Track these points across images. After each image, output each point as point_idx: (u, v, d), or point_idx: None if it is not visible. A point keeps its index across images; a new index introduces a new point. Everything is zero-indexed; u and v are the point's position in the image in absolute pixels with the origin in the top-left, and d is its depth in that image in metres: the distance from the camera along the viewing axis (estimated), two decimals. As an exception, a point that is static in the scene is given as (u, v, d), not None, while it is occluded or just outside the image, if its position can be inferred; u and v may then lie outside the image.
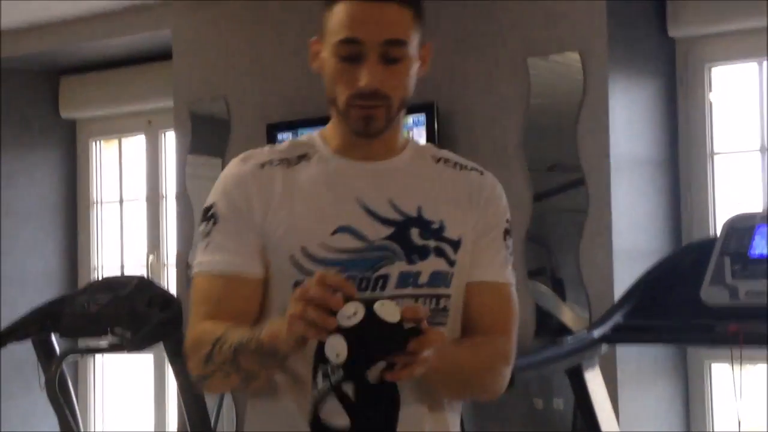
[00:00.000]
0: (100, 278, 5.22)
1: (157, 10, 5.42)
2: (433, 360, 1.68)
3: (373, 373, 1.65)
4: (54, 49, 5.84)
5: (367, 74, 1.82)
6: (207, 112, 5.29)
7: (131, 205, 6.20)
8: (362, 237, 1.85)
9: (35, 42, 5.81)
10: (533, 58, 4.29)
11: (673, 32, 4.31)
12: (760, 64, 4.25)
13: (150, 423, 5.90)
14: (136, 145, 6.20)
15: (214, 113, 5.25)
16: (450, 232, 1.89)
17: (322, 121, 2.02)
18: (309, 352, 1.68)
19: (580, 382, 3.32)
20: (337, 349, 1.61)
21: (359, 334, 1.61)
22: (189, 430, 4.59)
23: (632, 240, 4.14)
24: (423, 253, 1.86)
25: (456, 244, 1.90)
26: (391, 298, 1.78)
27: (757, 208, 4.01)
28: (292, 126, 4.69)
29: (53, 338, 4.88)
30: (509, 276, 1.97)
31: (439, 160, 1.98)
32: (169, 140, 5.85)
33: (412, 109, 4.43)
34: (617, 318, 3.41)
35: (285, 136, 4.52)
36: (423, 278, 1.86)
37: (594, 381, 3.35)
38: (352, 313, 1.62)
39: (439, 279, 1.87)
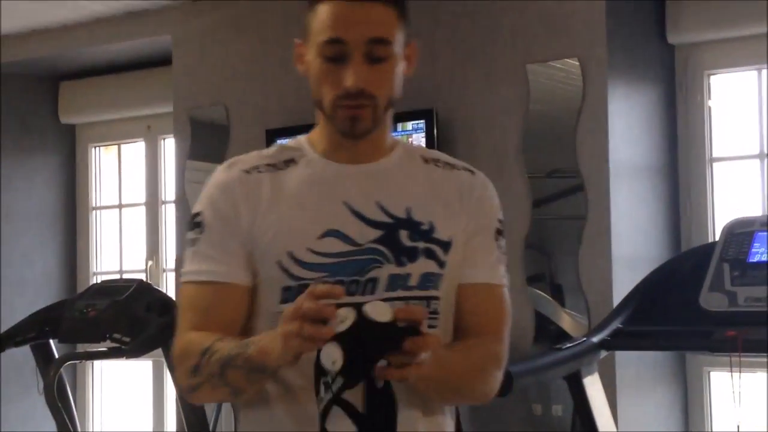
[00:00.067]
0: (98, 283, 5.21)
1: (157, 16, 5.42)
2: (426, 366, 1.67)
3: (374, 374, 1.64)
4: (54, 55, 5.84)
5: (353, 74, 1.80)
6: (206, 117, 5.29)
7: (130, 211, 6.19)
8: (350, 240, 1.83)
9: (35, 47, 5.81)
10: (532, 64, 4.29)
11: (672, 39, 4.31)
12: (759, 71, 4.25)
13: (148, 428, 5.89)
14: (135, 150, 6.20)
15: (213, 119, 5.25)
16: (440, 233, 1.87)
17: (321, 126, 2.00)
18: (300, 362, 1.68)
19: (578, 388, 3.31)
20: (332, 356, 1.60)
21: (352, 338, 1.60)
22: (187, 435, 4.58)
23: (631, 246, 4.14)
24: (412, 255, 1.85)
25: (446, 245, 1.87)
26: (381, 301, 1.77)
27: (756, 214, 4.01)
28: (292, 132, 4.68)
29: (52, 343, 4.88)
30: (501, 277, 1.94)
31: (428, 160, 1.96)
32: (169, 146, 5.85)
33: (411, 115, 4.45)
34: (616, 324, 3.41)
35: (284, 142, 4.52)
36: (413, 280, 1.84)
37: (593, 387, 3.34)
38: (342, 319, 1.61)
39: (429, 281, 1.85)
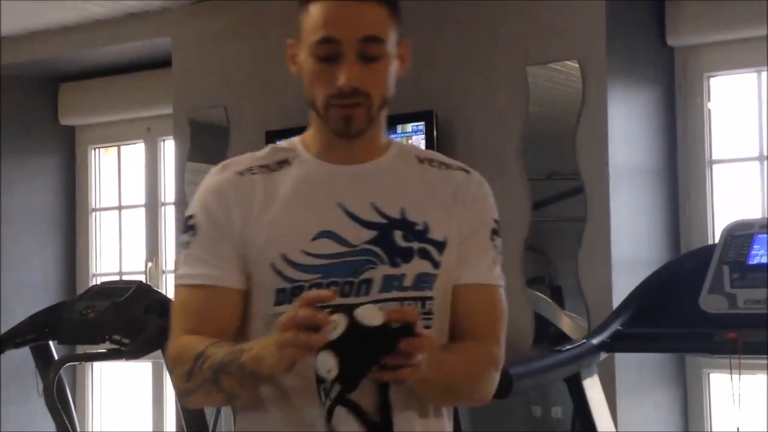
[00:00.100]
0: (98, 285, 5.21)
1: (157, 18, 5.43)
2: (423, 368, 1.67)
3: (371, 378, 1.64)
4: (53, 56, 5.84)
5: (346, 73, 1.78)
6: (206, 119, 5.29)
7: (130, 212, 6.20)
8: (344, 241, 1.82)
9: (35, 49, 5.81)
10: (532, 66, 4.30)
11: (672, 41, 4.32)
12: (759, 74, 4.26)
13: (148, 430, 5.89)
14: (135, 152, 6.21)
15: (213, 121, 5.25)
16: (434, 233, 1.86)
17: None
18: (296, 366, 1.67)
19: (578, 390, 3.32)
20: (327, 364, 1.60)
21: (346, 345, 1.59)
22: (187, 437, 4.58)
23: (631, 248, 4.14)
24: (406, 255, 1.83)
25: (441, 245, 1.86)
26: (376, 302, 1.77)
27: (756, 216, 4.01)
28: (291, 133, 4.58)
29: (51, 345, 4.88)
30: (498, 277, 1.92)
31: (423, 160, 1.94)
32: (168, 147, 5.85)
33: (411, 117, 4.45)
34: (616, 326, 3.41)
35: (278, 144, 4.52)
36: (407, 281, 1.83)
37: (592, 389, 3.34)
38: (335, 326, 1.60)
39: (424, 281, 1.84)
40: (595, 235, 4.10)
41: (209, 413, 4.61)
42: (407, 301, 1.82)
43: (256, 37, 5.08)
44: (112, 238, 6.26)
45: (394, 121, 4.45)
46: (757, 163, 4.26)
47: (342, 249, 1.82)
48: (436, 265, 1.85)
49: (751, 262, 3.25)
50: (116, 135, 6.25)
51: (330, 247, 1.82)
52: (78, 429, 4.85)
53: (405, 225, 1.85)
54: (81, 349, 5.42)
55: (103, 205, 6.32)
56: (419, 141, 4.42)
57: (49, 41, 5.77)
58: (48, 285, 6.12)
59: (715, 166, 4.32)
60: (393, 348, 1.62)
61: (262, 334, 1.77)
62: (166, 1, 5.27)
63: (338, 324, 1.60)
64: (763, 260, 3.24)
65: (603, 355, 3.39)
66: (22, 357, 5.03)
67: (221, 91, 5.22)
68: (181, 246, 1.90)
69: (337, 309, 1.64)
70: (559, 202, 4.26)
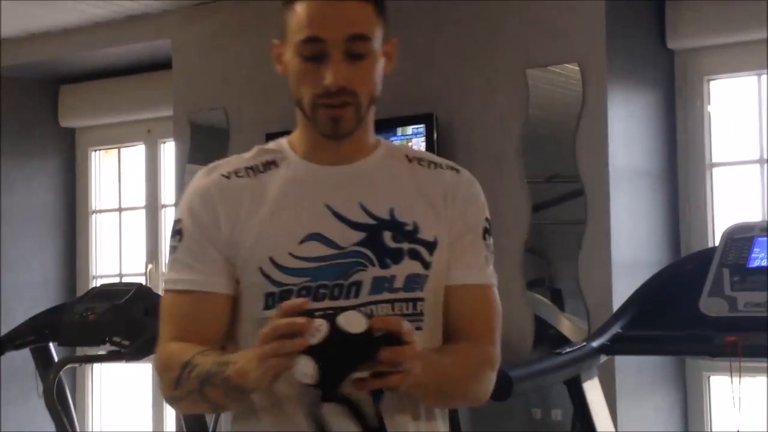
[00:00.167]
0: (98, 287, 5.21)
1: (157, 20, 5.43)
2: (418, 375, 1.66)
3: (348, 386, 1.63)
4: (54, 58, 5.84)
5: (332, 72, 1.77)
6: (206, 121, 5.29)
7: (130, 214, 6.20)
8: (333, 244, 1.80)
9: (35, 51, 5.81)
10: (532, 69, 4.30)
11: (672, 44, 4.32)
12: (759, 77, 4.26)
13: (148, 431, 5.90)
14: (135, 154, 6.21)
15: (213, 123, 5.26)
16: (424, 234, 1.84)
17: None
18: (287, 373, 1.65)
19: (578, 393, 3.31)
20: (305, 369, 1.59)
21: (326, 351, 1.58)
22: (187, 439, 4.58)
23: (631, 250, 4.14)
24: (396, 256, 1.81)
25: (431, 246, 1.84)
26: (366, 304, 1.77)
27: (756, 219, 4.01)
28: (292, 136, 4.68)
29: (51, 347, 4.88)
30: (491, 276, 1.91)
31: (412, 159, 1.92)
32: (169, 149, 5.85)
33: (411, 120, 4.45)
34: (616, 329, 3.41)
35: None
36: (398, 282, 1.81)
37: (592, 392, 3.34)
38: (315, 331, 1.59)
39: (414, 282, 1.82)
40: (595, 238, 4.10)
41: (209, 414, 4.60)
42: (398, 302, 1.81)
43: (256, 38, 5.08)
44: (112, 239, 6.26)
45: (394, 124, 4.46)
46: (757, 166, 4.26)
47: (330, 251, 1.80)
48: (426, 265, 1.84)
49: (751, 265, 3.25)
50: (116, 137, 6.25)
51: (318, 249, 1.80)
52: (78, 430, 4.85)
53: (394, 225, 1.83)
54: (81, 350, 5.42)
55: (103, 207, 6.32)
56: (419, 143, 4.42)
57: (50, 43, 5.77)
58: (48, 286, 6.12)
59: (715, 169, 4.32)
60: (373, 356, 1.60)
61: (251, 337, 1.74)
62: (167, 2, 5.27)
63: (320, 329, 1.59)
64: (764, 263, 3.24)
65: (603, 358, 3.39)
66: (22, 358, 5.03)
67: (221, 92, 5.22)
68: (169, 251, 1.89)
69: (325, 315, 1.62)
70: (559, 205, 4.27)
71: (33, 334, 4.80)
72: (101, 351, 4.62)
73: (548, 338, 4.16)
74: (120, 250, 6.20)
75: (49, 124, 6.24)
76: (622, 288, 3.90)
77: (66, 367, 4.77)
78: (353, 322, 1.60)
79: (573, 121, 4.18)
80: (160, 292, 5.66)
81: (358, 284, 1.79)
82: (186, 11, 5.34)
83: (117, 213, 6.26)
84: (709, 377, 4.26)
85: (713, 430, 4.25)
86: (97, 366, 6.11)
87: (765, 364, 3.75)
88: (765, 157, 4.23)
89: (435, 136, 4.42)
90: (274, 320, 1.64)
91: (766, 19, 4.03)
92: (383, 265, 1.81)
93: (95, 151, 6.36)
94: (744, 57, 4.24)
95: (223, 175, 1.88)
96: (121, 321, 4.51)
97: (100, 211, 6.32)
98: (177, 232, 1.88)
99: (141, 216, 6.07)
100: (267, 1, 4.98)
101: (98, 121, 6.20)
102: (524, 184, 4.29)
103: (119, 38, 5.57)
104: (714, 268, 3.30)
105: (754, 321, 3.13)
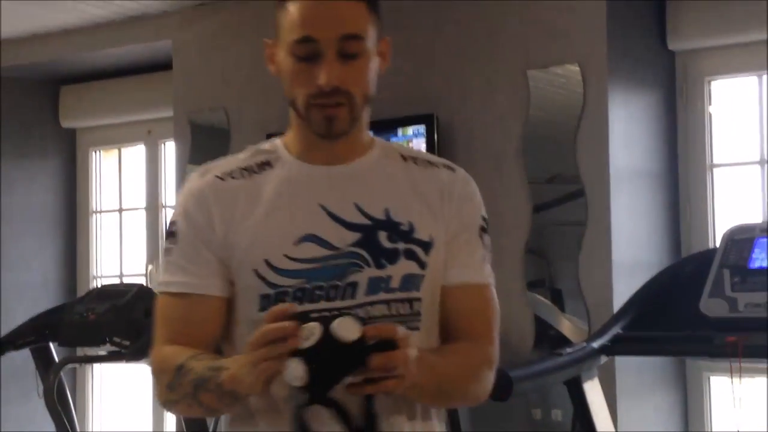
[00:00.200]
0: (98, 287, 5.22)
1: (158, 21, 5.43)
2: (414, 377, 1.66)
3: (340, 390, 1.62)
4: (54, 59, 5.84)
5: (326, 72, 1.75)
6: (207, 122, 5.30)
7: (130, 215, 6.20)
8: (328, 245, 1.79)
9: (36, 51, 5.82)
10: (533, 70, 4.30)
11: (672, 45, 4.32)
12: (760, 78, 4.26)
13: (148, 431, 5.90)
14: (135, 154, 6.21)
15: (213, 123, 5.26)
16: (420, 233, 1.83)
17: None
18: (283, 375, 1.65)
19: (578, 393, 3.31)
20: (295, 372, 1.58)
21: (316, 356, 1.58)
22: (187, 439, 4.58)
23: (631, 251, 4.14)
24: (392, 256, 1.80)
25: (427, 246, 1.83)
26: (362, 305, 1.77)
27: (757, 220, 4.01)
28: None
29: (51, 347, 4.88)
30: (488, 275, 1.89)
31: (407, 158, 1.91)
32: (169, 150, 5.85)
33: (412, 120, 4.45)
34: (616, 329, 3.41)
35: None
36: (394, 283, 1.80)
37: (593, 392, 3.34)
38: (309, 335, 1.58)
39: (411, 282, 1.81)
40: (596, 239, 4.10)
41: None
42: (394, 302, 1.80)
43: (256, 39, 5.03)
44: (112, 240, 6.26)
45: (394, 124, 4.46)
46: (757, 167, 4.26)
47: (326, 252, 1.79)
48: (422, 265, 1.83)
49: (751, 266, 3.25)
50: (117, 137, 6.25)
51: (313, 250, 1.79)
52: (78, 430, 4.85)
53: (389, 225, 1.82)
54: (81, 351, 5.42)
55: (103, 208, 6.32)
56: (420, 144, 4.42)
57: (50, 44, 5.77)
58: (48, 286, 6.12)
59: (715, 170, 4.32)
60: (364, 363, 1.60)
61: (247, 339, 1.71)
62: (167, 2, 5.27)
63: (313, 332, 1.58)
64: (764, 264, 3.24)
65: (603, 359, 3.39)
66: (22, 358, 5.04)
67: (222, 93, 5.22)
68: (164, 253, 1.88)
69: (321, 318, 1.62)
70: (559, 206, 4.27)
71: (33, 335, 4.81)
72: (101, 351, 4.62)
73: (548, 339, 4.16)
74: (120, 250, 6.21)
75: (49, 124, 6.24)
76: (623, 288, 3.90)
77: (66, 368, 4.77)
78: (347, 329, 1.59)
79: (573, 122, 4.18)
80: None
81: (354, 285, 1.78)
82: (186, 12, 5.34)
83: (117, 213, 6.26)
84: (709, 377, 4.26)
85: (713, 430, 4.25)
86: (97, 366, 6.11)
87: (765, 365, 3.75)
88: (765, 158, 4.23)
89: (435, 136, 4.42)
90: (263, 325, 1.63)
91: (767, 20, 4.03)
92: (379, 266, 1.80)
93: (96, 151, 6.36)
94: (744, 58, 4.24)
95: (218, 177, 1.86)
96: (122, 321, 4.51)
97: (101, 212, 6.32)
98: (171, 234, 1.87)
99: (141, 216, 6.07)
100: (267, 1, 4.97)
101: (99, 122, 6.21)
102: (525, 184, 4.29)
103: (120, 39, 5.57)
104: (714, 268, 3.30)
105: (754, 322, 3.14)
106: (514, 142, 4.33)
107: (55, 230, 6.22)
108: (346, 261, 1.79)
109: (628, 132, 4.19)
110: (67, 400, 4.87)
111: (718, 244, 3.43)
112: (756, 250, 3.28)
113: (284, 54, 1.81)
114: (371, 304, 1.78)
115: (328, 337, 1.58)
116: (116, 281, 6.01)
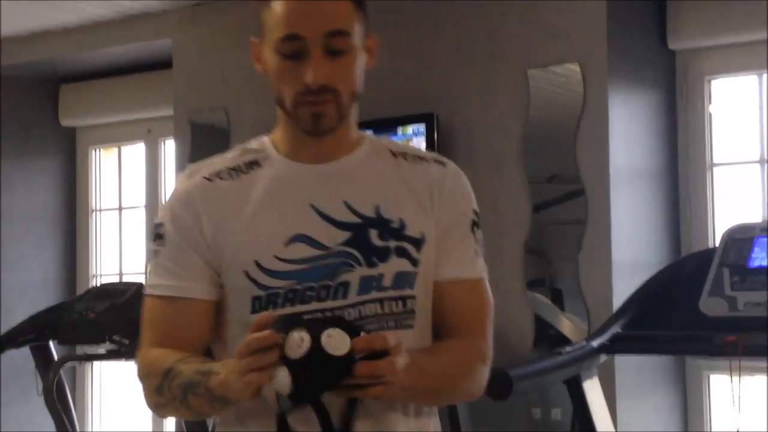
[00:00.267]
0: (98, 285, 5.22)
1: (158, 20, 5.43)
2: (402, 381, 1.65)
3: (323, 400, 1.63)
4: (54, 57, 5.85)
5: (313, 70, 1.74)
6: (207, 121, 5.30)
7: (130, 213, 6.20)
8: (318, 244, 1.77)
9: (35, 50, 5.82)
10: (533, 69, 4.30)
11: (673, 45, 4.32)
12: (760, 77, 4.26)
13: (147, 430, 5.89)
14: (135, 153, 6.21)
15: (213, 122, 5.26)
16: (411, 230, 1.81)
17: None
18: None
19: (578, 392, 3.31)
20: (282, 380, 1.58)
21: (303, 367, 1.57)
22: (187, 438, 4.59)
23: (631, 250, 4.15)
24: (383, 254, 1.78)
25: (418, 242, 1.81)
26: (355, 305, 1.76)
27: (756, 219, 4.01)
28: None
29: (51, 345, 4.88)
30: (481, 270, 1.87)
31: (397, 154, 1.88)
32: (169, 149, 5.85)
33: (412, 120, 4.46)
34: (616, 328, 3.41)
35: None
36: (386, 281, 1.78)
37: (592, 391, 3.34)
38: (298, 344, 1.58)
39: (403, 280, 1.79)
40: (596, 238, 4.10)
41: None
42: (387, 300, 1.78)
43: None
44: (112, 238, 6.26)
45: (394, 124, 4.46)
46: (757, 166, 4.26)
47: (316, 252, 1.77)
48: (414, 263, 1.81)
49: (751, 265, 3.26)
50: (117, 136, 6.25)
51: (304, 251, 1.77)
52: (78, 429, 4.85)
53: (380, 223, 1.80)
54: (81, 349, 5.43)
55: (103, 206, 6.32)
56: (420, 143, 4.42)
57: (50, 42, 5.77)
58: (48, 285, 6.12)
59: (715, 169, 4.33)
60: (350, 373, 1.59)
61: (239, 339, 1.70)
62: (167, 2, 5.27)
63: (303, 342, 1.58)
64: (764, 263, 3.24)
65: (603, 358, 3.39)
66: (22, 357, 5.04)
67: (222, 92, 5.22)
68: (151, 255, 1.87)
69: (312, 325, 1.61)
70: (559, 205, 4.27)
71: (33, 333, 4.81)
72: (101, 350, 4.62)
73: (548, 338, 4.17)
74: (120, 249, 6.21)
75: (49, 123, 6.24)
76: (622, 288, 3.91)
77: (66, 366, 4.77)
78: (336, 344, 1.58)
79: (573, 122, 4.18)
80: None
81: (345, 285, 1.77)
82: (186, 11, 5.34)
83: (117, 212, 6.26)
84: (709, 377, 4.26)
85: (713, 429, 4.25)
86: (97, 365, 6.11)
87: (765, 364, 3.76)
88: (765, 157, 4.23)
89: (435, 136, 4.43)
90: (250, 333, 1.62)
91: (767, 20, 4.03)
92: (370, 264, 1.78)
93: (96, 150, 6.36)
94: (744, 57, 4.24)
95: (206, 178, 1.84)
96: (121, 320, 4.51)
97: (101, 210, 6.32)
98: (158, 237, 1.85)
99: (141, 215, 6.07)
100: (267, 2, 4.98)
101: (99, 121, 6.21)
102: (524, 184, 4.29)
103: (119, 38, 5.58)
104: (714, 268, 3.30)
105: (754, 321, 3.14)
106: (514, 142, 4.33)
107: (55, 229, 6.22)
108: (337, 260, 1.78)
109: (628, 131, 4.19)
110: (67, 399, 4.87)
111: (717, 244, 3.43)
112: (756, 250, 3.28)
113: (270, 52, 1.81)
114: (363, 303, 1.77)
115: (317, 350, 1.57)
116: (116, 280, 6.01)
